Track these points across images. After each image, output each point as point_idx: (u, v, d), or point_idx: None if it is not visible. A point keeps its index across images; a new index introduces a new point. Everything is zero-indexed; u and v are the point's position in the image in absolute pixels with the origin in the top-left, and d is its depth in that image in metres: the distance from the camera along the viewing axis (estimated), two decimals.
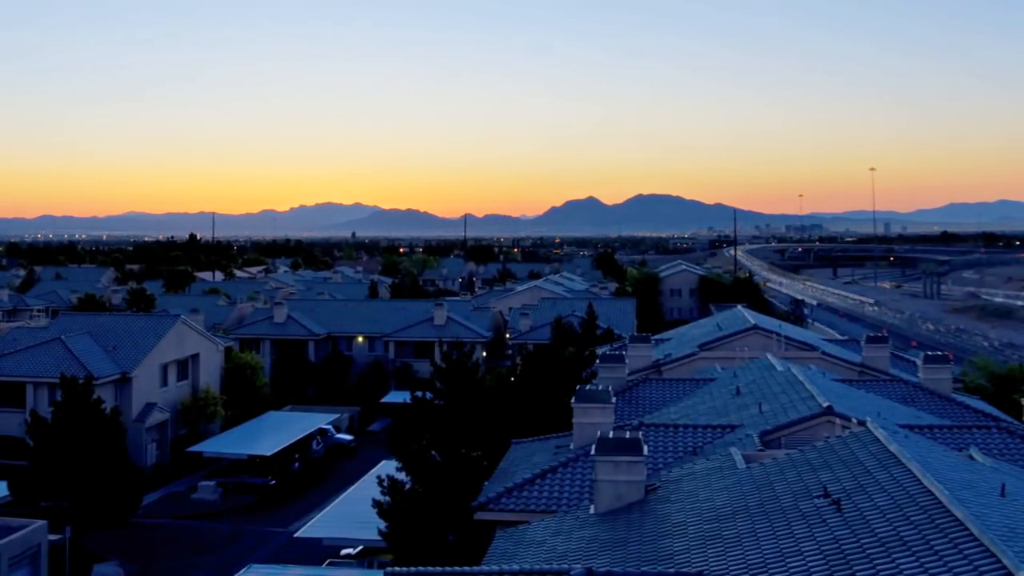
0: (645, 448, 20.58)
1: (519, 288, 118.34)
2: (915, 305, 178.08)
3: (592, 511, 20.22)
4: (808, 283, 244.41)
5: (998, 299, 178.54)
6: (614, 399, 27.93)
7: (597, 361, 40.37)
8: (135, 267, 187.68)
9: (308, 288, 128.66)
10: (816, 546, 14.36)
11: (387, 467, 37.50)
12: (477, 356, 48.43)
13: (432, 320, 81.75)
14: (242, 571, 32.18)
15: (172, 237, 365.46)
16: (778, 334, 43.15)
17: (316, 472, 59.51)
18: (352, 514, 37.33)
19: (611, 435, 21.42)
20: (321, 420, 64.76)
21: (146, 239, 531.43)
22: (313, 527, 38.20)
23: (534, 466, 26.34)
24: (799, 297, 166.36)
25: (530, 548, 19.08)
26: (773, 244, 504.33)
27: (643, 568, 15.63)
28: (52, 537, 35.19)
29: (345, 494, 42.31)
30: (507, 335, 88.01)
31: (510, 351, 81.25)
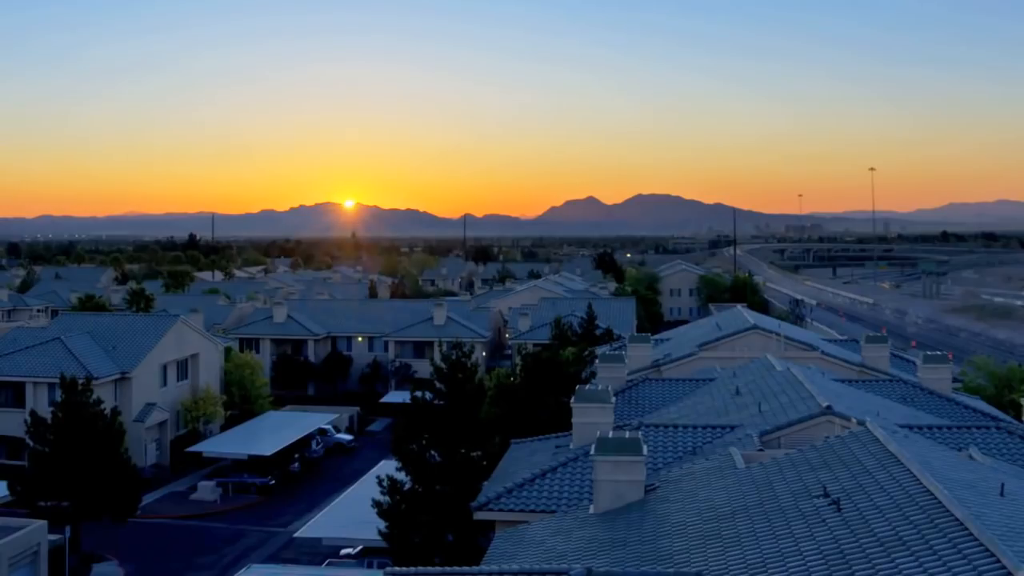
0: (645, 448, 20.58)
1: (519, 288, 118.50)
2: (914, 305, 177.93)
3: (592, 511, 20.23)
4: (808, 283, 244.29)
5: (998, 299, 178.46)
6: (614, 399, 27.94)
7: (597, 361, 40.37)
8: (135, 267, 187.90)
9: (308, 288, 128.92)
10: (815, 546, 14.37)
11: (387, 467, 37.52)
12: (477, 356, 48.44)
13: (432, 320, 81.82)
14: (242, 571, 32.27)
15: (172, 237, 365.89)
16: (778, 334, 43.12)
17: (316, 472, 59.52)
18: (352, 514, 37.36)
19: (611, 435, 21.43)
20: (321, 420, 64.81)
21: (146, 239, 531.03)
22: (313, 527, 38.25)
23: (534, 466, 26.33)
24: (798, 297, 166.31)
25: (530, 548, 19.07)
26: (773, 244, 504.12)
27: (643, 568, 15.64)
28: (52, 537, 35.19)
29: (345, 494, 42.37)
30: (507, 335, 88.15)
31: (510, 351, 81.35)
